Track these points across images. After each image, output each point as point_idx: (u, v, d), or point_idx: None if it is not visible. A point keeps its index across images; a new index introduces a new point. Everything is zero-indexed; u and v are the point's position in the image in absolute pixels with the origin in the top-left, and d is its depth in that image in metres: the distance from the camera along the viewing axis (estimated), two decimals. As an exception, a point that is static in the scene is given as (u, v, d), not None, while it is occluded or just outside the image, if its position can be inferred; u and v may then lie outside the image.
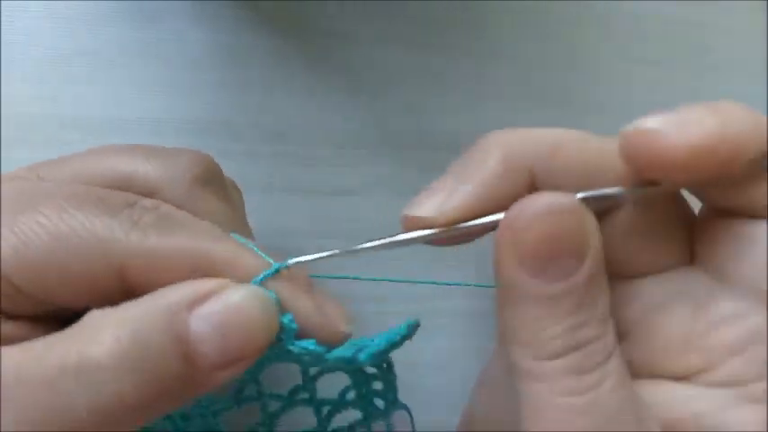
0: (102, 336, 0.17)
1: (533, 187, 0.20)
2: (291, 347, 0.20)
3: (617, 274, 0.20)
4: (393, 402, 0.25)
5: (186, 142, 0.32)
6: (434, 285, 0.32)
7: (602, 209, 0.20)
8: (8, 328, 0.19)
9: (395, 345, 0.22)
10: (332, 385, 0.26)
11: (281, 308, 0.20)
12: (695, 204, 0.21)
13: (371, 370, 0.25)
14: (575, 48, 0.37)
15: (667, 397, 0.19)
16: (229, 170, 0.29)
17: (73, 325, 0.18)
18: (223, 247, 0.20)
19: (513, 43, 0.36)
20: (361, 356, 0.21)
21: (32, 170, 0.23)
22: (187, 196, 0.22)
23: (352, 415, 0.26)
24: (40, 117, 0.31)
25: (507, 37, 0.36)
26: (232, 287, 0.19)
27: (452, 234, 0.20)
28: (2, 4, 0.31)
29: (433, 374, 0.28)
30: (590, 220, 0.18)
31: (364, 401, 0.25)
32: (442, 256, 0.32)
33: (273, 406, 0.25)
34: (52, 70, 0.32)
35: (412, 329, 0.23)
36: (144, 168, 0.22)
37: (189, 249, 0.19)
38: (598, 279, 0.18)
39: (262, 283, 0.20)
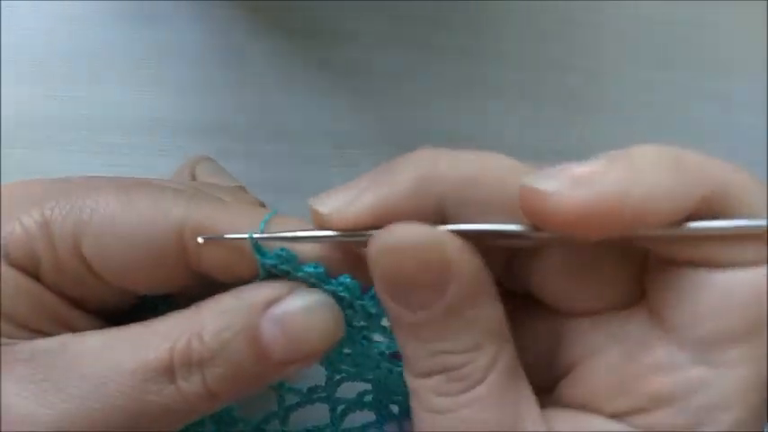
0: (189, 334, 0.20)
1: (440, 212, 0.19)
2: (328, 286, 0.20)
3: (557, 310, 0.20)
4: (408, 409, 0.25)
5: (186, 142, 0.32)
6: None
7: (524, 246, 0.20)
8: (78, 318, 0.21)
9: None
10: (351, 389, 0.26)
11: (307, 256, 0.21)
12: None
13: (394, 381, 0.25)
14: (575, 48, 0.37)
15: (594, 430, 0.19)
16: (229, 170, 0.29)
17: (154, 319, 0.20)
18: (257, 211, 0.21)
19: (513, 43, 0.36)
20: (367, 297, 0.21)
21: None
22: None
23: (366, 417, 0.26)
24: (40, 117, 0.31)
25: (507, 37, 0.36)
26: (301, 290, 0.20)
27: (343, 239, 0.20)
28: (2, 4, 0.31)
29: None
30: (453, 253, 0.18)
31: (379, 405, 0.26)
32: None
33: (291, 399, 0.26)
34: (52, 70, 0.32)
35: None
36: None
37: (243, 213, 0.21)
38: (464, 310, 0.18)
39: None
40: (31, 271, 0.20)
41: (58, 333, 0.20)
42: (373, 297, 0.21)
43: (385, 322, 0.22)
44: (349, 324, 0.22)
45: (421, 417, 0.19)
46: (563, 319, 0.20)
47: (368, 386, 0.26)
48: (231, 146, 0.33)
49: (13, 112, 0.31)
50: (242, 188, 0.28)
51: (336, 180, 0.33)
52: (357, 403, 0.26)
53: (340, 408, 0.26)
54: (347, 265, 0.20)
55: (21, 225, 0.20)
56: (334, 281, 0.20)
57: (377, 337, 0.23)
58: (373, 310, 0.21)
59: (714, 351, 0.18)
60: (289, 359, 0.20)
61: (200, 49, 0.33)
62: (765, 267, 0.17)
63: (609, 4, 0.37)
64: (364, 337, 0.23)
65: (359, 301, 0.21)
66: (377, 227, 0.19)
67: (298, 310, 0.20)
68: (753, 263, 0.17)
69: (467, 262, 0.18)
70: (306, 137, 0.33)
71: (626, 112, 0.37)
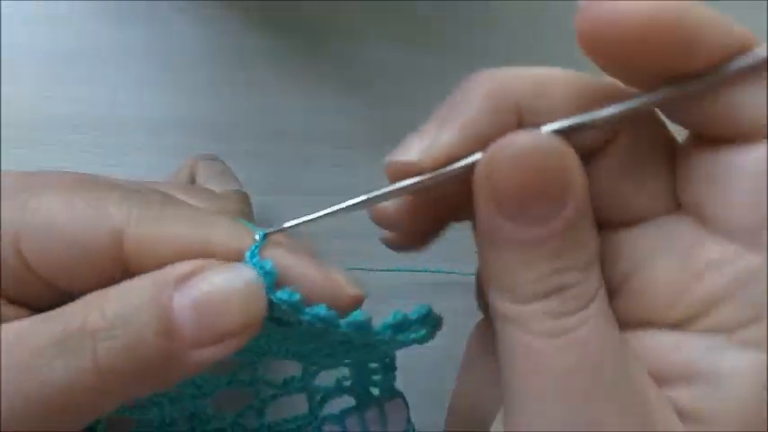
0: (88, 310, 0.18)
1: (521, 126, 0.19)
2: (301, 316, 0.19)
3: (602, 224, 0.20)
4: (389, 390, 0.25)
5: (186, 142, 0.32)
6: (435, 284, 0.32)
7: (587, 148, 0.19)
8: (12, 312, 0.20)
9: (412, 323, 0.21)
10: (329, 375, 0.25)
11: (282, 276, 0.19)
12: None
13: (373, 364, 0.24)
14: (574, 48, 0.37)
15: (657, 345, 0.19)
16: (229, 170, 0.29)
17: (65, 305, 0.19)
18: (222, 221, 0.20)
19: (514, 43, 0.36)
20: (377, 326, 0.20)
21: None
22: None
23: (347, 402, 0.26)
24: (40, 117, 0.31)
25: (507, 37, 0.36)
26: (218, 267, 0.19)
27: (438, 180, 0.19)
28: (2, 4, 0.31)
29: (433, 374, 0.28)
30: (572, 161, 0.17)
31: (359, 389, 0.25)
32: (446, 252, 0.32)
33: (266, 392, 0.25)
34: (52, 70, 0.32)
35: (432, 319, 0.22)
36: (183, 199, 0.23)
37: (186, 223, 0.20)
38: (581, 224, 0.18)
39: (261, 253, 0.19)
40: None
41: None
42: (352, 327, 0.20)
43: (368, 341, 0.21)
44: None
45: (530, 346, 0.17)
46: (611, 233, 0.20)
47: (346, 371, 0.25)
48: (231, 146, 0.33)
49: (13, 112, 0.31)
50: (239, 192, 0.27)
51: (336, 180, 0.33)
52: (336, 390, 0.25)
53: (318, 396, 0.25)
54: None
55: None
56: (308, 310, 0.19)
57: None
58: (354, 337, 0.20)
59: (759, 238, 0.17)
60: (202, 338, 0.18)
61: (200, 49, 0.33)
62: None
63: (609, 4, 0.37)
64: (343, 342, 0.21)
65: (337, 332, 0.20)
66: (465, 156, 0.18)
67: (212, 285, 0.18)
68: None
69: (581, 171, 0.18)
70: (306, 137, 0.33)
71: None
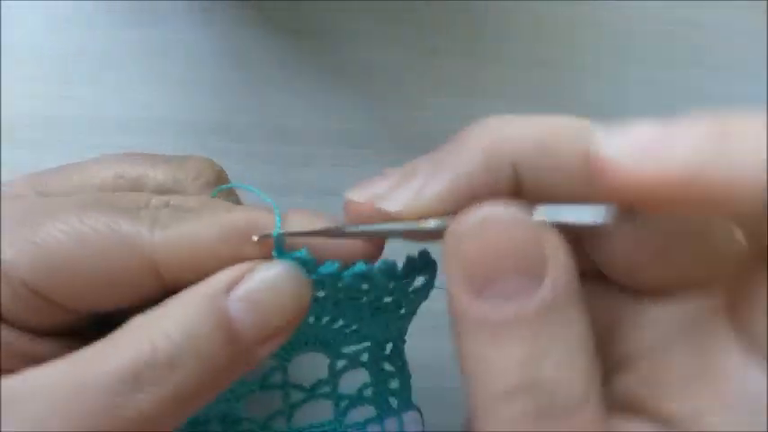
0: (152, 336, 0.18)
1: (518, 188, 0.17)
2: (314, 276, 0.20)
3: (623, 287, 0.18)
4: (406, 402, 0.26)
5: (186, 142, 0.32)
6: (437, 285, 0.32)
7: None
8: (38, 347, 0.19)
9: (406, 267, 0.21)
10: (351, 383, 0.26)
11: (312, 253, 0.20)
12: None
13: (389, 368, 0.26)
14: (574, 48, 0.37)
15: None
16: (229, 170, 0.29)
17: (116, 330, 0.18)
18: (239, 212, 0.20)
19: (513, 43, 0.36)
20: (377, 266, 0.21)
21: (32, 180, 0.23)
22: (200, 200, 0.22)
23: (368, 411, 0.26)
24: (41, 117, 0.31)
25: (507, 37, 0.36)
26: (262, 265, 0.19)
27: (410, 231, 0.18)
28: (2, 5, 0.31)
29: (436, 375, 0.28)
30: (548, 236, 0.16)
31: (379, 399, 0.26)
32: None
33: (295, 397, 0.26)
34: (52, 70, 0.32)
35: (428, 262, 0.22)
36: (152, 173, 0.22)
37: (210, 226, 0.20)
38: (559, 306, 0.15)
39: (289, 237, 0.20)
40: None
41: (23, 368, 0.18)
42: (382, 273, 0.20)
43: (392, 287, 0.22)
44: (356, 304, 0.22)
45: None
46: (627, 301, 0.18)
47: (367, 379, 0.26)
48: (231, 146, 0.33)
49: (13, 112, 0.31)
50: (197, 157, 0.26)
51: (336, 180, 0.33)
52: (358, 398, 0.26)
53: (343, 403, 0.26)
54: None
55: None
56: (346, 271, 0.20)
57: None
58: (382, 284, 0.21)
59: None
60: (261, 336, 0.19)
61: (200, 48, 0.33)
62: None
63: (609, 4, 0.37)
64: (375, 308, 0.23)
65: (371, 283, 0.21)
66: (450, 213, 0.17)
67: (262, 284, 0.19)
68: None
69: (562, 248, 0.16)
70: (306, 137, 0.33)
71: (626, 112, 0.37)
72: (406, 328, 0.26)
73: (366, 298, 0.22)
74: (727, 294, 0.17)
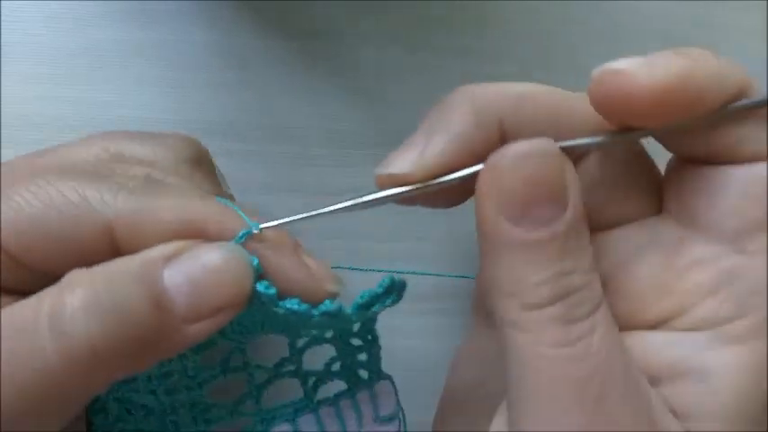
0: (77, 287, 0.18)
1: (503, 140, 0.20)
2: (276, 309, 0.20)
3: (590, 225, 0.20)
4: (376, 372, 0.25)
5: (186, 142, 0.32)
6: (437, 286, 0.32)
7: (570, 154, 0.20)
8: (6, 302, 0.20)
9: (379, 297, 0.22)
10: (318, 358, 0.26)
11: (264, 270, 0.20)
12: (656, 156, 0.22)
13: (357, 342, 0.25)
14: (574, 48, 0.37)
15: (644, 345, 0.19)
16: (229, 170, 0.29)
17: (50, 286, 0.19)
18: (209, 206, 0.20)
19: (513, 43, 0.36)
20: (347, 309, 0.21)
21: (28, 159, 0.23)
22: (176, 175, 0.22)
23: (338, 386, 0.26)
24: (40, 117, 0.31)
25: (507, 37, 0.36)
26: (207, 245, 0.19)
27: (427, 190, 0.20)
28: (2, 5, 0.31)
29: (435, 375, 0.28)
30: (568, 165, 0.18)
31: (348, 372, 0.26)
32: (455, 254, 0.32)
33: (260, 378, 0.26)
34: (52, 70, 0.32)
35: (397, 286, 0.22)
36: (133, 149, 0.23)
37: (175, 208, 0.20)
38: (581, 227, 0.18)
39: (244, 246, 0.20)
40: None
41: None
42: (324, 316, 0.21)
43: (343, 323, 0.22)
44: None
45: (543, 356, 0.18)
46: (593, 235, 0.20)
47: (333, 352, 0.25)
48: (231, 146, 0.33)
49: (13, 112, 0.31)
50: (180, 135, 0.27)
51: (336, 180, 0.33)
52: (326, 374, 0.26)
53: (311, 380, 0.26)
54: None
55: None
56: (283, 304, 0.20)
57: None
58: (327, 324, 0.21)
59: (745, 240, 0.18)
60: (196, 311, 0.19)
61: (200, 49, 0.33)
62: None
63: (608, 4, 0.37)
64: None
65: (311, 322, 0.21)
66: (454, 171, 0.19)
67: (204, 258, 0.19)
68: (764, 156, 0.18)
69: (576, 175, 0.18)
70: (306, 137, 0.33)
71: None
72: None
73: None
74: (674, 206, 0.20)
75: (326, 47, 0.34)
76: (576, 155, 0.20)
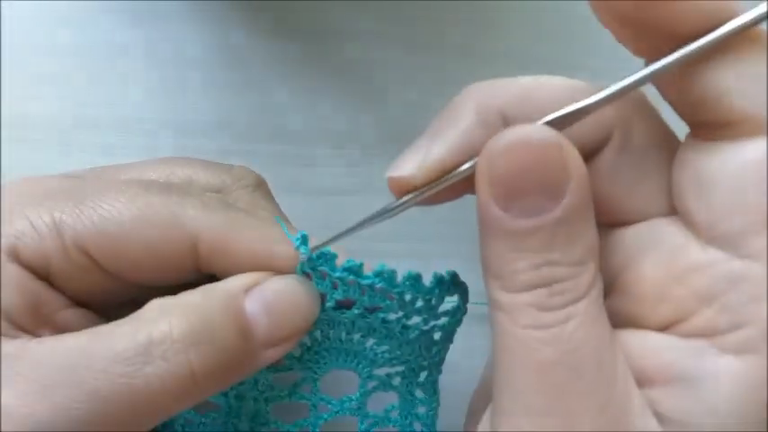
0: (169, 316, 0.20)
1: None
2: (362, 280, 0.22)
3: (599, 223, 0.20)
4: (431, 428, 0.27)
5: (186, 142, 0.32)
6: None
7: (583, 150, 0.19)
8: (72, 316, 0.21)
9: (440, 281, 0.23)
10: (378, 404, 0.27)
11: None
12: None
13: (420, 394, 0.26)
14: (575, 48, 0.37)
15: (642, 345, 0.19)
16: (229, 170, 0.29)
17: (136, 312, 0.20)
18: (278, 230, 0.22)
19: (514, 43, 0.36)
20: (403, 274, 0.23)
21: (109, 170, 0.25)
22: (242, 199, 0.24)
23: None
24: (40, 117, 0.31)
25: (508, 37, 0.36)
26: (278, 276, 0.22)
27: (437, 189, 0.20)
28: (2, 4, 0.31)
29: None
30: (570, 154, 0.18)
31: (405, 422, 0.27)
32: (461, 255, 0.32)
33: (322, 409, 0.27)
34: (52, 70, 0.32)
35: (458, 283, 0.24)
36: (202, 174, 0.25)
37: (257, 227, 0.22)
38: (576, 219, 0.18)
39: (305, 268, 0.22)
40: (41, 272, 0.20)
41: (50, 333, 0.20)
42: (408, 281, 0.22)
43: (420, 302, 0.23)
44: (384, 321, 0.23)
45: (515, 336, 0.18)
46: (607, 231, 0.20)
47: (395, 401, 0.26)
48: (231, 146, 0.33)
49: (14, 112, 0.31)
50: (245, 168, 0.28)
51: (336, 180, 0.33)
52: (384, 419, 0.27)
53: (367, 421, 0.27)
54: None
55: (31, 226, 0.20)
56: (370, 273, 0.22)
57: (414, 320, 0.25)
58: (408, 296, 0.23)
59: (742, 244, 0.17)
60: (272, 338, 0.21)
61: (200, 48, 0.33)
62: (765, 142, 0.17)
63: (609, 4, 0.37)
64: (403, 327, 0.24)
65: (396, 289, 0.22)
66: (457, 168, 0.19)
67: (278, 290, 0.21)
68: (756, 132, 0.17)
69: (581, 165, 0.18)
70: (306, 137, 0.33)
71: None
72: (443, 358, 0.26)
73: (394, 314, 0.23)
74: (679, 205, 0.19)
75: (326, 47, 0.34)
76: (591, 145, 0.19)
